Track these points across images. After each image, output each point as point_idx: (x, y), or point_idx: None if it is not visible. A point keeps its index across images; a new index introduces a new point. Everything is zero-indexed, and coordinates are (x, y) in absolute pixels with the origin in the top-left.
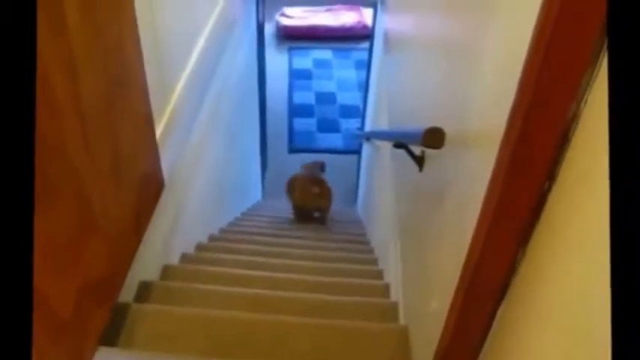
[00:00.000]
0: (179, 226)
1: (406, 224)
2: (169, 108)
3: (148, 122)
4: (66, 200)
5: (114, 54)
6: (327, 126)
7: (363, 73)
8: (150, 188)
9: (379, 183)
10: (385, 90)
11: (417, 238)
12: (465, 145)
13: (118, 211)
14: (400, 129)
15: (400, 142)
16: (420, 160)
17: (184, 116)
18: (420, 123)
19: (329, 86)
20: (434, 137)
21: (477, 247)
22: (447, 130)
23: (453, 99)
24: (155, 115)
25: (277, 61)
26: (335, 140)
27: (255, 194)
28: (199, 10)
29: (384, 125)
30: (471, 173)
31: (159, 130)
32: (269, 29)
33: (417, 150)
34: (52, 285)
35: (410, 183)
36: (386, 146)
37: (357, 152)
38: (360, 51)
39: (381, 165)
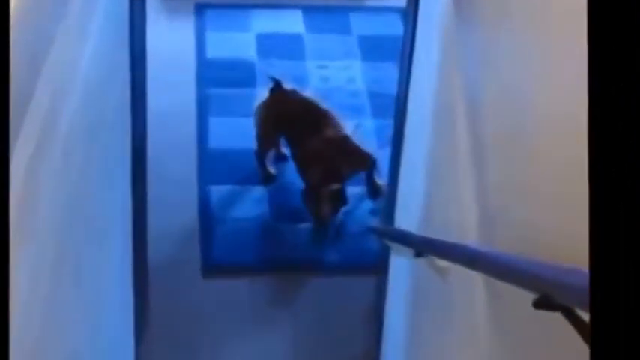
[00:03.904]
0: None
1: None
2: None
3: None
4: None
5: None
6: (295, 207)
7: (384, 68)
8: None
9: None
10: (468, 120)
11: None
12: None
13: None
14: None
15: None
16: None
17: None
18: None
19: None
20: None
21: None
22: None
23: None
24: None
25: (167, 42)
26: (313, 240)
27: None
28: None
29: (467, 213)
30: None
31: None
32: None
33: None
34: None
35: None
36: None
37: (374, 271)
38: (372, 13)
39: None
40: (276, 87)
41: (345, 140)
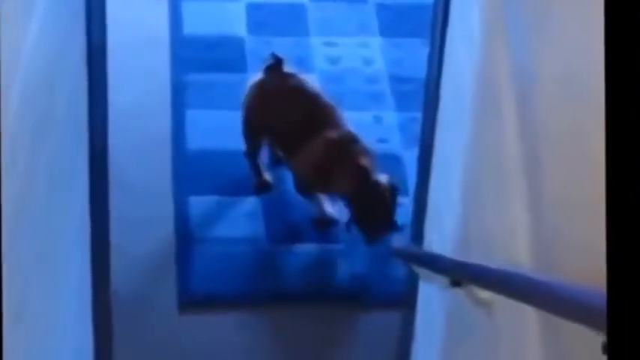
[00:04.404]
0: None
1: None
2: None
3: None
4: None
5: None
6: (297, 223)
7: (410, 45)
8: None
9: None
10: (518, 113)
11: None
12: None
13: None
14: None
15: None
16: None
17: None
18: None
19: None
20: None
21: None
22: None
23: None
24: None
25: (133, 15)
26: (318, 265)
27: None
28: None
29: (517, 232)
30: None
31: None
32: None
33: None
34: None
35: None
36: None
37: (398, 304)
38: None
39: None
40: (275, 65)
41: (352, 138)
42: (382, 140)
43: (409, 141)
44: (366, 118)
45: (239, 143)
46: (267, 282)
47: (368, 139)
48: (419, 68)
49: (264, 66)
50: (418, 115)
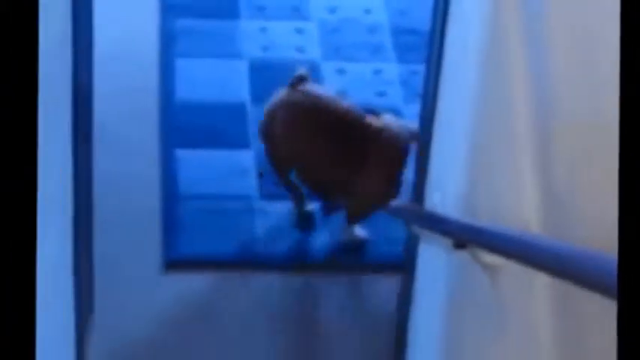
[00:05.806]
0: None
1: None
2: None
3: None
4: None
5: None
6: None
7: None
8: None
9: None
10: (529, 67)
11: None
12: None
13: None
14: None
15: None
16: None
17: None
18: None
19: (296, 39)
20: None
21: None
22: None
23: None
24: None
25: None
26: (315, 226)
27: None
28: None
29: (527, 192)
30: None
31: None
32: None
33: None
34: None
35: None
36: None
37: (396, 267)
38: None
39: None
40: (297, 82)
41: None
42: (381, 94)
43: (410, 95)
44: (365, 70)
45: (231, 94)
46: (258, 242)
47: (367, 92)
48: (423, 19)
49: (289, 82)
50: (420, 68)
